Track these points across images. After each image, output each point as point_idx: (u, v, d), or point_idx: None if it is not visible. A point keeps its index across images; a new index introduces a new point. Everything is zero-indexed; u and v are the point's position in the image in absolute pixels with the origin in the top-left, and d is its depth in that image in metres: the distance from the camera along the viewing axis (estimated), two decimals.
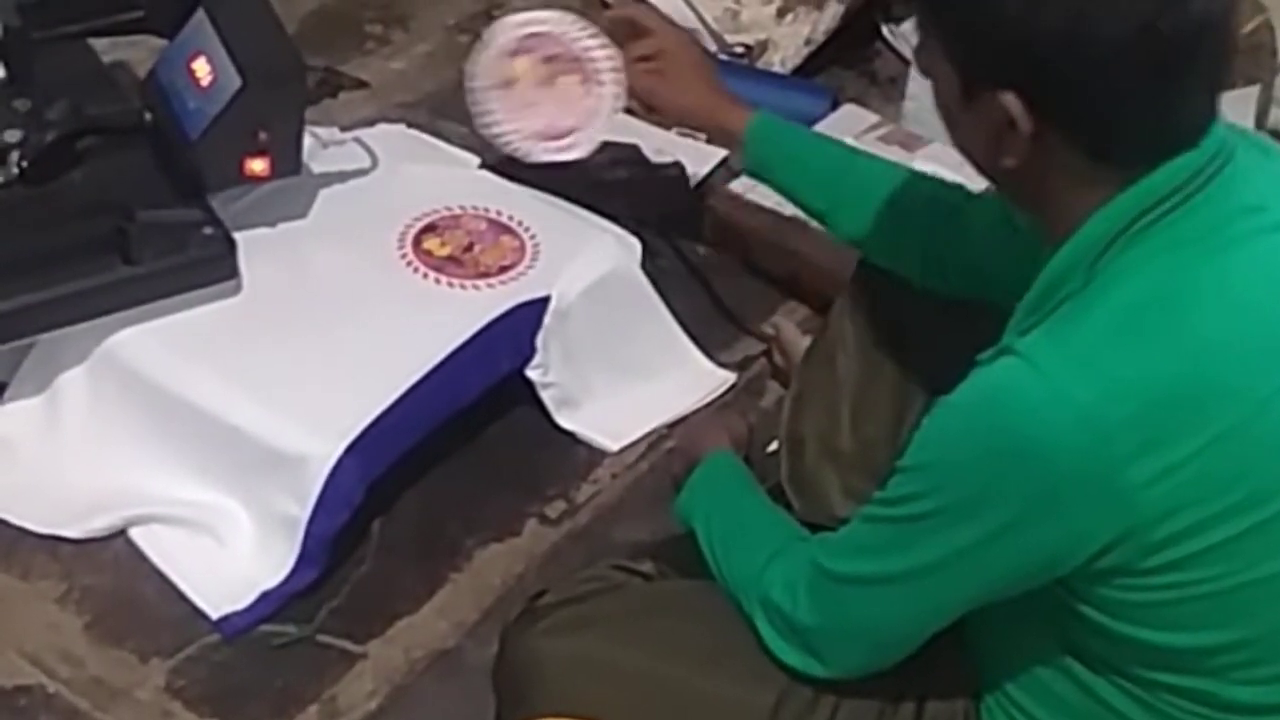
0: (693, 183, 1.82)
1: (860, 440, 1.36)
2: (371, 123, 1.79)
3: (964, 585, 0.96)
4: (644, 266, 1.58)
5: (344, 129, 1.70)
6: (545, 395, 1.49)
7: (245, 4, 1.42)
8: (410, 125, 1.81)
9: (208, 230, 1.40)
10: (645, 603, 1.18)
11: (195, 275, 1.40)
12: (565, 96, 1.47)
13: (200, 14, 1.42)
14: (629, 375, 1.54)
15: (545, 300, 1.48)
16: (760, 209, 1.71)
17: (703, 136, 1.85)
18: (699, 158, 1.84)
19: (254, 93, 1.37)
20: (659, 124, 1.66)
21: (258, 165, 1.43)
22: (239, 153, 1.41)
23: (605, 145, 1.82)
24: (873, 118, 1.85)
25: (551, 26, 1.47)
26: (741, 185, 1.74)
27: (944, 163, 1.77)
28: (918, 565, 0.96)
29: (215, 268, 1.41)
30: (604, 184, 1.78)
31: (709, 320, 1.65)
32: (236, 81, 1.37)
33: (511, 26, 1.48)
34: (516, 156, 1.48)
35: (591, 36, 1.46)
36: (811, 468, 1.35)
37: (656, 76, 1.41)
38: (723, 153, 1.83)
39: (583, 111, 1.47)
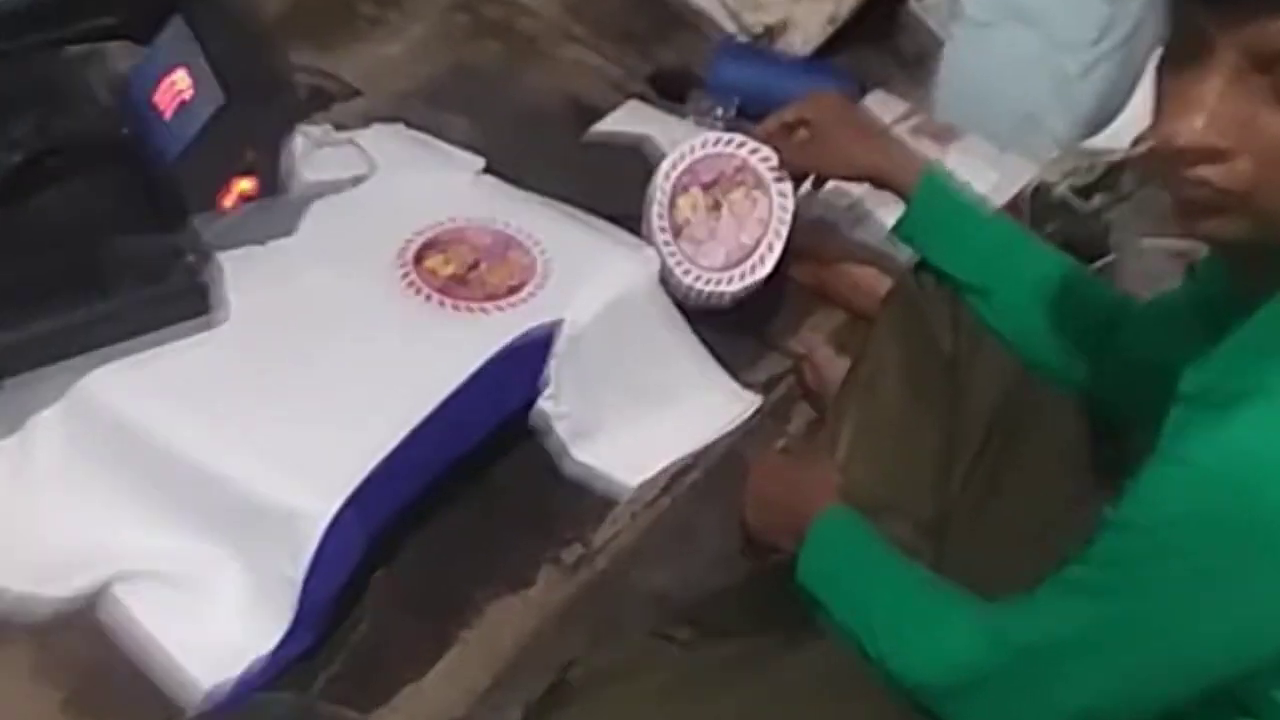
0: None
1: (908, 481, 1.26)
2: (365, 117, 1.67)
3: (1177, 666, 0.87)
4: None
5: (337, 126, 1.58)
6: (558, 428, 1.38)
7: (225, 10, 1.29)
8: (407, 118, 1.69)
9: (190, 258, 1.28)
10: (687, 678, 1.09)
11: (177, 308, 1.28)
12: (737, 214, 1.45)
13: (177, 21, 1.29)
14: (648, 402, 1.43)
15: (557, 325, 1.37)
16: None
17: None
18: None
19: (239, 108, 1.26)
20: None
21: (244, 185, 1.31)
22: (223, 172, 1.30)
23: (615, 138, 1.72)
24: (901, 106, 1.73)
25: (699, 151, 1.45)
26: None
27: (978, 156, 1.66)
28: (1128, 636, 0.88)
29: (199, 300, 1.29)
30: (614, 184, 1.66)
31: (731, 334, 1.53)
32: (219, 96, 1.25)
33: (666, 173, 1.46)
34: (715, 304, 1.46)
35: (738, 145, 1.45)
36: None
37: (814, 145, 1.38)
38: None
39: (758, 221, 1.44)
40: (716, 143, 1.46)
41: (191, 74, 1.27)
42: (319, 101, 1.51)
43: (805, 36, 1.83)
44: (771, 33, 1.83)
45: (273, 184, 1.32)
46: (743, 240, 1.45)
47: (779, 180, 1.43)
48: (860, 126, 1.36)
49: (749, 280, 1.45)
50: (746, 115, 1.74)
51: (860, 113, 1.42)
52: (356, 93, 1.49)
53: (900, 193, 1.28)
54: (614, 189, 1.63)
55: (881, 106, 1.72)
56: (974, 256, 1.23)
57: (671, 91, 1.80)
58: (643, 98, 1.79)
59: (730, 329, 1.53)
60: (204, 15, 1.28)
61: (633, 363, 1.41)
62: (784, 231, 1.44)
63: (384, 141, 1.54)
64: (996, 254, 1.23)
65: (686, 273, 1.44)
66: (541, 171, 1.65)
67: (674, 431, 1.42)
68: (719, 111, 1.75)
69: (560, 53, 1.87)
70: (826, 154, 1.35)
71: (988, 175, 1.62)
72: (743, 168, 1.44)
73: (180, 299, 1.28)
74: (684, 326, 1.45)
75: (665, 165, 1.46)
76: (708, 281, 1.44)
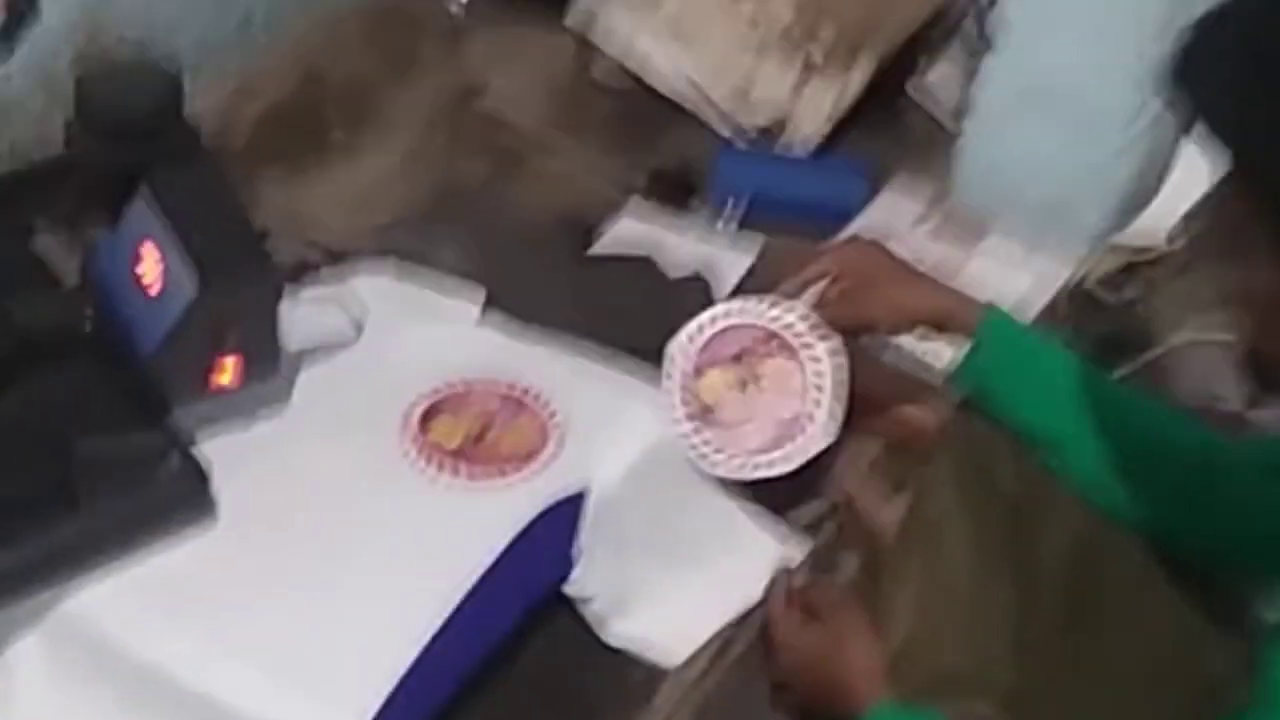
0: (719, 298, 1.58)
1: (984, 647, 1.15)
2: (344, 256, 1.55)
3: None
4: None
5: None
6: (588, 611, 1.25)
7: (196, 183, 1.17)
8: (394, 250, 1.57)
9: (173, 460, 1.16)
10: None
11: (162, 517, 1.16)
12: (775, 386, 1.29)
13: (142, 198, 1.17)
14: (684, 568, 1.30)
15: (581, 498, 1.25)
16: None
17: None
18: (722, 267, 1.61)
19: (215, 297, 1.13)
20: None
21: (226, 377, 1.18)
22: (205, 363, 1.17)
23: (612, 262, 1.61)
24: (916, 207, 1.62)
25: (721, 320, 1.29)
26: None
27: (1005, 260, 1.55)
28: None
29: (186, 505, 1.17)
30: (626, 307, 1.55)
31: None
32: (192, 285, 1.13)
33: (683, 349, 1.29)
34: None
35: (770, 305, 1.28)
36: (913, 693, 1.13)
37: (859, 296, 1.25)
38: (748, 260, 1.60)
39: (801, 388, 1.27)
40: (735, 312, 1.30)
41: (161, 257, 1.15)
42: (307, 270, 1.38)
43: (805, 134, 1.71)
44: (769, 132, 1.71)
45: (264, 367, 1.20)
46: (784, 414, 1.28)
47: (823, 339, 1.27)
48: (902, 269, 1.25)
49: (802, 457, 1.28)
50: (757, 214, 1.63)
51: (893, 253, 1.30)
52: (340, 256, 1.36)
53: (961, 333, 1.17)
54: (626, 312, 1.53)
55: (894, 208, 1.61)
56: (1048, 406, 1.12)
57: (674, 196, 1.69)
58: (637, 210, 1.68)
59: None
60: (171, 190, 1.15)
61: (667, 523, 1.29)
62: (843, 394, 1.27)
63: (372, 294, 1.42)
64: (1071, 402, 1.12)
65: (722, 463, 1.28)
66: (545, 298, 1.53)
67: (714, 598, 1.30)
68: (729, 207, 1.64)
69: (548, 166, 1.75)
70: (876, 304, 1.24)
71: (1018, 280, 1.52)
72: (780, 331, 1.28)
73: (164, 507, 1.16)
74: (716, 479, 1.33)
75: (676, 346, 1.30)
76: (754, 467, 1.28)
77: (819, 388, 1.26)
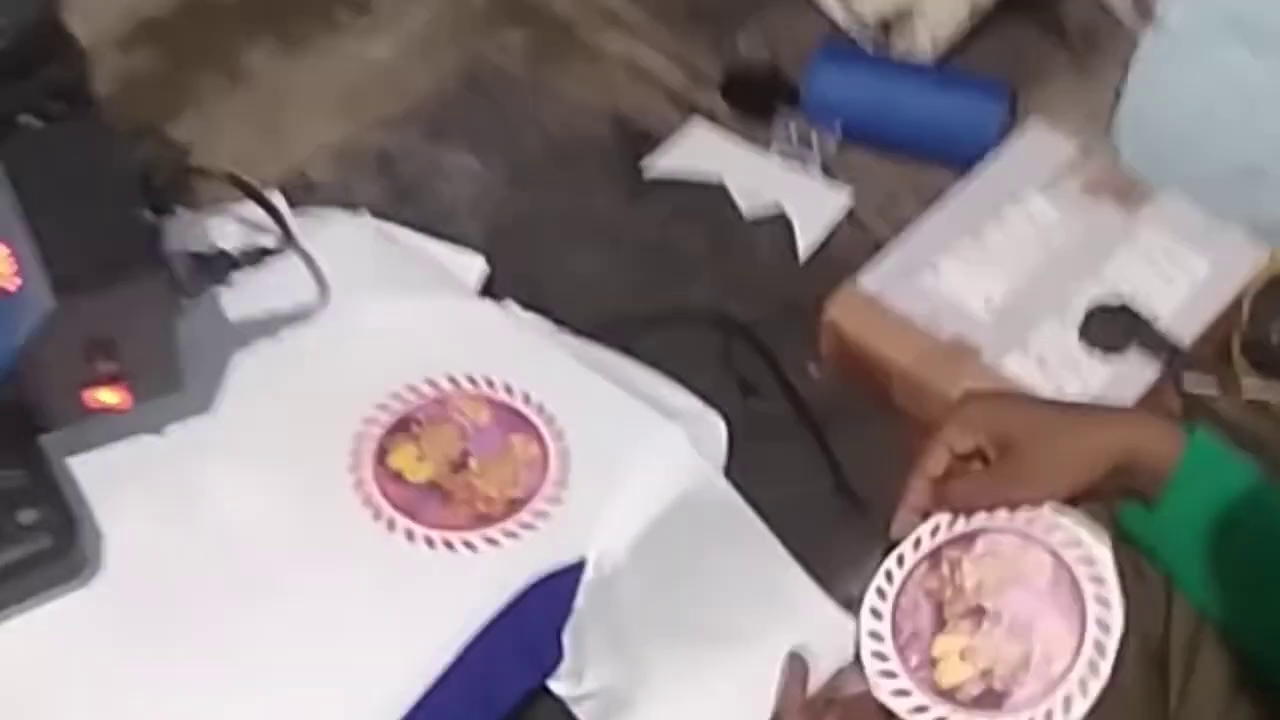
0: (802, 256, 1.24)
1: None
2: (334, 155, 1.23)
3: None
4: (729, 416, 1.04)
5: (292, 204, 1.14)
6: (580, 712, 0.96)
7: (68, 141, 0.85)
8: (394, 154, 1.25)
9: (25, 516, 0.87)
10: None
11: (25, 580, 0.88)
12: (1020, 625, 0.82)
13: None
14: (709, 649, 1.00)
15: (577, 569, 0.95)
16: (908, 328, 1.14)
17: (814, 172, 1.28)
18: (810, 204, 1.26)
19: (82, 303, 0.82)
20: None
21: (110, 396, 0.88)
22: (78, 380, 0.87)
23: (673, 189, 1.27)
24: (1067, 147, 1.24)
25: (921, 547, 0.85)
26: (878, 280, 1.16)
27: (1178, 232, 1.18)
28: None
29: (50, 567, 0.88)
30: (675, 259, 1.22)
31: (827, 511, 1.09)
32: (47, 291, 0.82)
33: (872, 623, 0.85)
34: None
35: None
36: None
37: (1013, 468, 0.85)
38: (842, 201, 1.25)
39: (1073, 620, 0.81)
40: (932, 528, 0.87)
41: (12, 248, 0.84)
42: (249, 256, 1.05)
43: (934, 31, 1.33)
44: (888, 27, 1.34)
45: (161, 380, 0.89)
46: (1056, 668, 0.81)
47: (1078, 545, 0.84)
48: (1044, 408, 0.88)
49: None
50: (860, 135, 1.28)
51: (1020, 395, 0.94)
52: (288, 237, 1.03)
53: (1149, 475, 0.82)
54: (684, 258, 1.22)
55: (1042, 147, 1.24)
56: (1251, 569, 0.79)
57: (752, 104, 1.33)
58: (711, 115, 1.33)
59: (824, 502, 1.09)
60: (28, 150, 0.83)
61: (687, 600, 0.98)
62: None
63: (344, 246, 1.10)
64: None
65: None
66: (576, 240, 1.22)
67: (751, 696, 0.99)
68: (813, 140, 1.29)
69: (605, 46, 1.39)
70: (1036, 473, 0.86)
71: (1193, 265, 1.16)
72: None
73: (26, 569, 0.87)
74: (763, 533, 1.02)
75: (872, 592, 0.86)
76: None
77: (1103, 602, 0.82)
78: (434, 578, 0.94)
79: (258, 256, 1.00)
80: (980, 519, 0.86)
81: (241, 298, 1.03)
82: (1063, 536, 0.83)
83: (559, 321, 1.11)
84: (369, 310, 1.04)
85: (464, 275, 1.09)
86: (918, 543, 0.87)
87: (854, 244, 1.23)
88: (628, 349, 1.11)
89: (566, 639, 0.93)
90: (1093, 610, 0.81)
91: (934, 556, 0.86)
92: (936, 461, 0.88)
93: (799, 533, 1.04)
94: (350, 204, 1.18)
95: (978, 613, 0.83)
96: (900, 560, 0.87)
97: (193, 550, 0.93)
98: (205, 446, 0.97)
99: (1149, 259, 1.16)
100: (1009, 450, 0.85)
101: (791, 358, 1.17)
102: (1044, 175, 1.21)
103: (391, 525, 0.95)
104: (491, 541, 0.95)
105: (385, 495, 0.96)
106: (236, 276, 1.02)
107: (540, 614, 0.93)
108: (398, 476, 0.97)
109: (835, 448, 1.12)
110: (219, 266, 0.97)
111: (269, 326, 1.03)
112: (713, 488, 1.00)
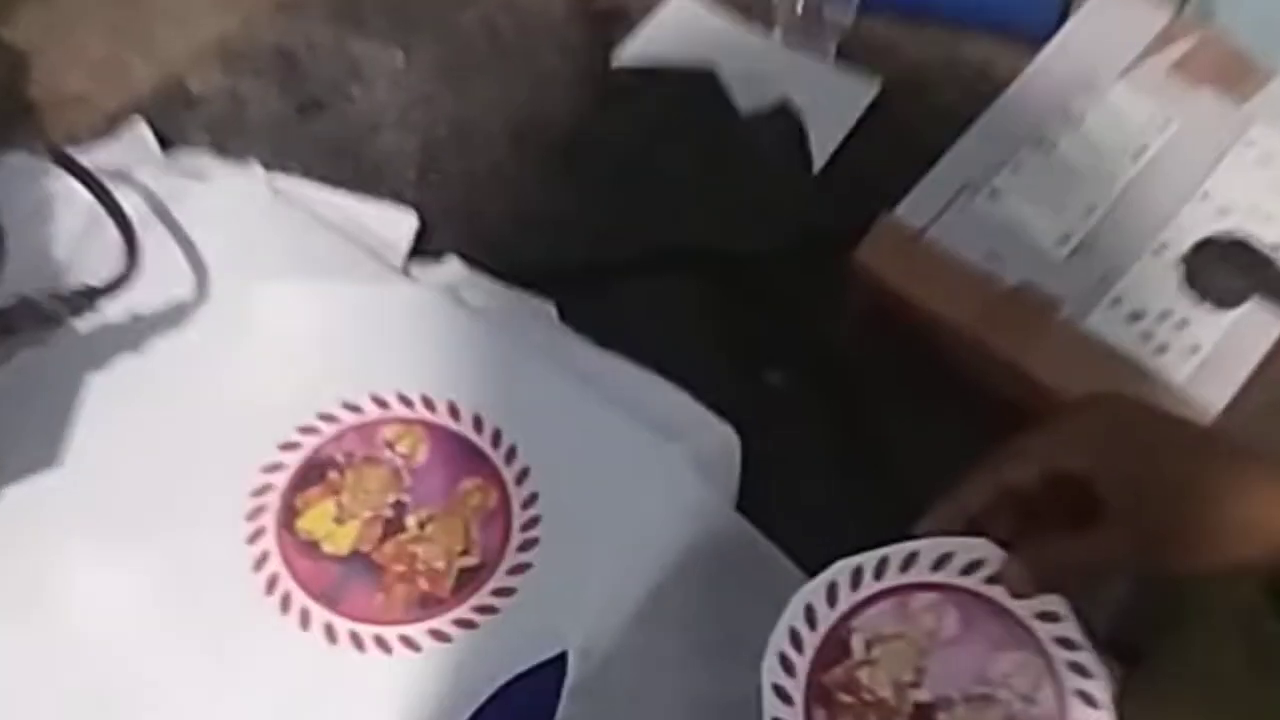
0: (817, 165, 0.98)
1: None
2: (220, 56, 0.96)
3: None
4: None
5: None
6: None
7: None
8: (300, 53, 0.98)
9: None
10: None
11: None
12: None
13: None
14: None
15: (557, 664, 0.71)
16: (961, 273, 0.89)
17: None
18: (824, 96, 1.00)
19: None
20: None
21: None
22: None
23: (653, 79, 1.02)
24: (1152, 22, 0.97)
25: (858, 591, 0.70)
26: (920, 209, 0.91)
27: None
28: None
29: None
30: (656, 175, 0.96)
31: (863, 515, 0.86)
32: None
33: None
34: None
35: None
36: None
37: (1126, 521, 0.63)
38: (867, 94, 0.99)
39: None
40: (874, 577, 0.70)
41: None
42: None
43: None
44: None
45: None
46: None
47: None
48: (1217, 452, 0.64)
49: None
50: (884, 9, 1.01)
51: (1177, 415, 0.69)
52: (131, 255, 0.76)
53: None
54: (667, 173, 0.96)
55: (1117, 23, 0.97)
56: None
57: None
58: None
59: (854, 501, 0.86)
60: None
61: (712, 687, 0.76)
62: None
63: (223, 218, 0.83)
64: None
65: None
66: (530, 158, 0.96)
67: None
68: (824, 15, 1.02)
69: None
70: (1188, 541, 0.62)
71: None
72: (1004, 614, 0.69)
73: None
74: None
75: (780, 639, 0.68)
76: None
77: None
78: (364, 690, 0.70)
79: (88, 299, 0.73)
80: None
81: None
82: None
83: (505, 273, 0.86)
84: (262, 306, 0.79)
85: (390, 241, 0.83)
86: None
87: (884, 149, 0.97)
88: (597, 307, 0.87)
89: None
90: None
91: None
92: (1020, 472, 0.65)
93: (828, 549, 0.81)
94: (240, 125, 0.92)
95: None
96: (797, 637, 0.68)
97: (34, 661, 0.70)
98: (49, 516, 0.72)
99: (1268, 168, 0.91)
100: (1141, 500, 0.62)
101: (811, 310, 0.92)
102: (1118, 58, 0.95)
103: (305, 620, 0.72)
104: (439, 636, 0.72)
105: (296, 577, 0.73)
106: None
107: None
108: (309, 541, 0.73)
109: (875, 432, 0.88)
110: (34, 315, 0.71)
111: (129, 335, 0.77)
112: (729, 528, 0.76)
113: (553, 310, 0.86)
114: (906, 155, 0.93)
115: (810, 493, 0.84)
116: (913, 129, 0.97)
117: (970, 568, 0.70)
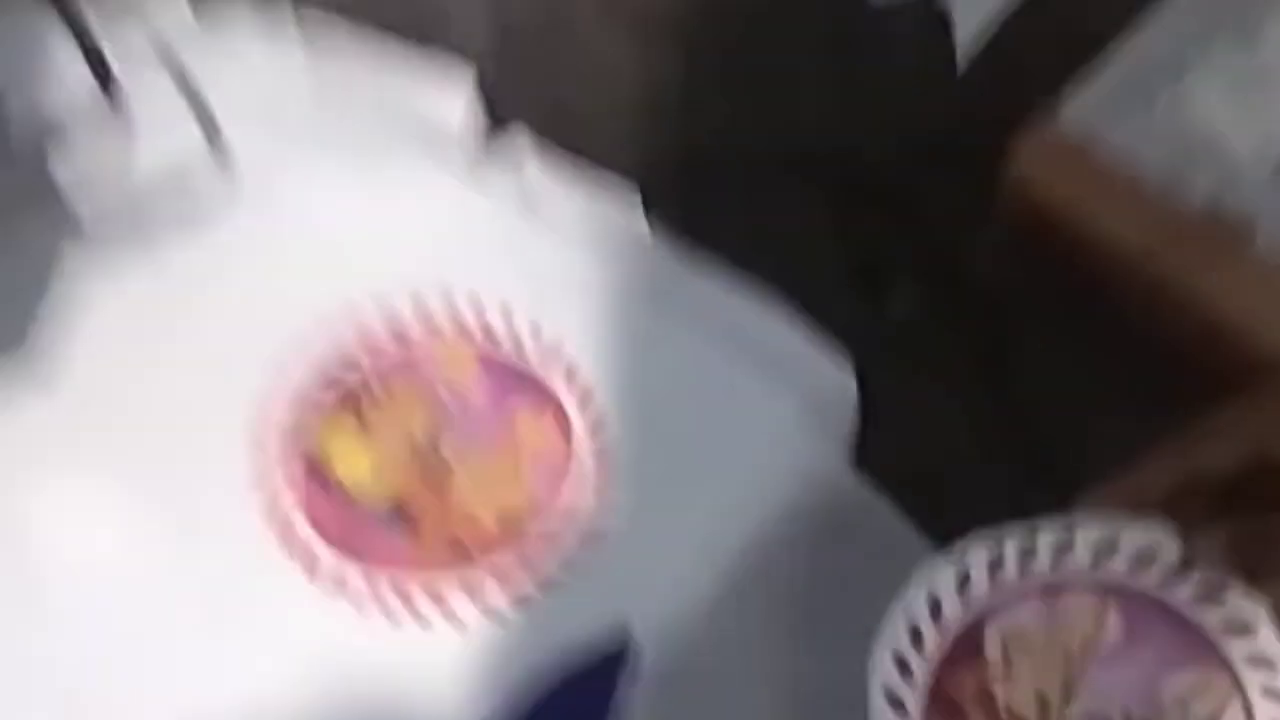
0: (961, 61, 0.83)
1: None
2: None
3: None
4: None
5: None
6: None
7: None
8: None
9: None
10: None
11: None
12: None
13: None
14: None
15: (623, 647, 0.58)
16: (1136, 190, 0.74)
17: None
18: None
19: None
20: None
21: None
22: None
23: None
24: None
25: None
26: (1088, 112, 0.76)
27: None
28: None
29: None
30: (759, 76, 0.82)
31: (1000, 481, 0.73)
32: None
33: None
34: None
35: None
36: None
37: None
38: None
39: None
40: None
41: None
42: None
43: None
44: None
45: None
46: None
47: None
48: None
49: None
50: None
51: None
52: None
53: None
54: (776, 78, 0.80)
55: None
56: None
57: None
58: None
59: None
60: None
61: (815, 683, 0.62)
62: None
63: (254, 93, 0.69)
64: None
65: None
66: (616, 41, 0.83)
67: None
68: None
69: None
70: None
71: None
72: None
73: None
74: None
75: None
76: None
77: None
78: (383, 663, 0.58)
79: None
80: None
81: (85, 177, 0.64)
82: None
83: (582, 165, 0.73)
84: (288, 192, 0.65)
85: (447, 116, 0.69)
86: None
87: (1044, 39, 0.83)
88: (691, 217, 0.74)
89: None
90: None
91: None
92: (1217, 454, 0.55)
93: (960, 521, 0.68)
94: None
95: None
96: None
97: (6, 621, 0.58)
98: (23, 443, 0.60)
99: None
100: None
101: (947, 229, 0.78)
102: None
103: (319, 572, 0.59)
104: (482, 604, 0.59)
105: (313, 521, 0.60)
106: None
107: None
108: (334, 487, 0.61)
109: (1018, 379, 0.75)
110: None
111: (126, 222, 0.64)
112: (842, 487, 0.62)
113: (640, 218, 0.73)
114: (1071, 46, 0.78)
115: (939, 449, 0.71)
116: (1079, 14, 0.82)
117: (1141, 562, 0.56)
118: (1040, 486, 0.69)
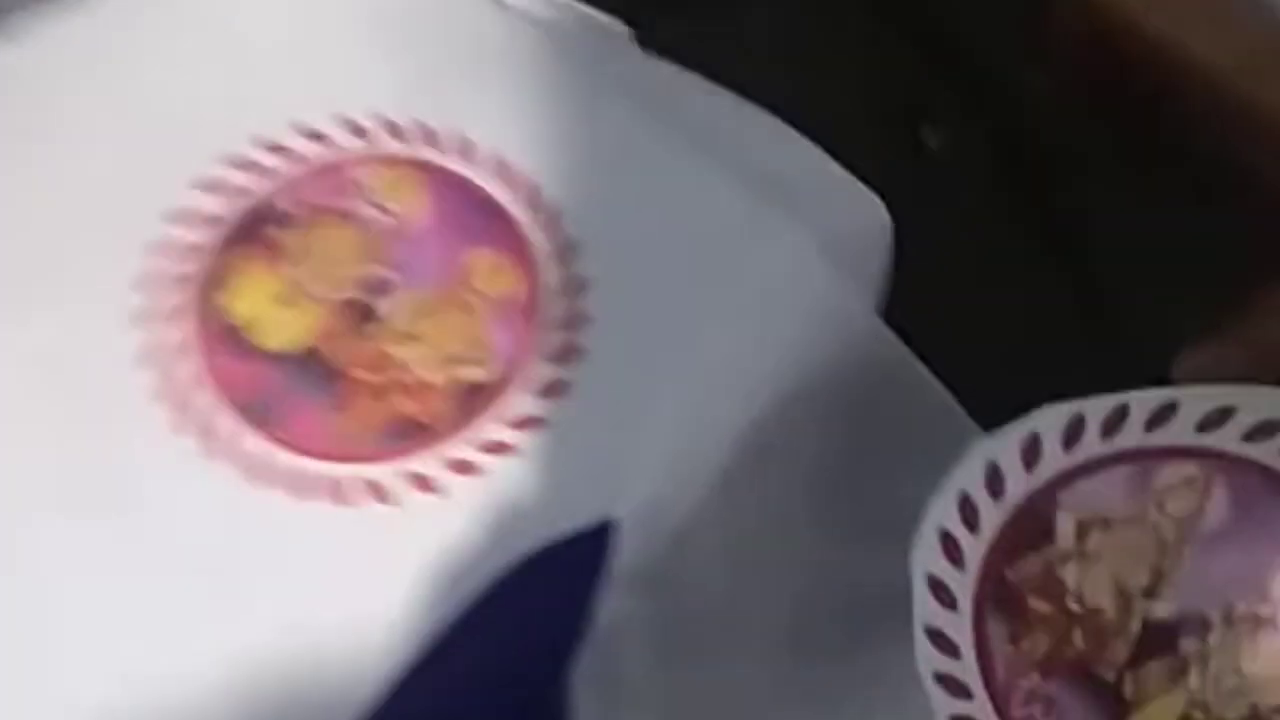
0: None
1: None
2: None
3: None
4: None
5: None
6: None
7: None
8: None
9: None
10: None
11: None
12: None
13: None
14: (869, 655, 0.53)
15: (602, 537, 0.47)
16: (1220, 3, 0.62)
17: None
18: None
19: None
20: None
21: None
22: None
23: None
24: None
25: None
26: None
27: None
28: None
29: None
30: None
31: (1055, 338, 0.61)
32: None
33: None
34: None
35: None
36: None
37: None
38: None
39: None
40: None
41: None
42: None
43: None
44: None
45: None
46: None
47: None
48: None
49: None
50: None
51: None
52: None
53: None
54: None
55: None
56: None
57: None
58: None
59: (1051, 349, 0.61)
60: None
61: (835, 587, 0.51)
62: None
63: None
64: None
65: None
66: None
67: None
68: None
69: None
70: None
71: None
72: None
73: None
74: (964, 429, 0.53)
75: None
76: None
77: None
78: (302, 553, 0.46)
79: None
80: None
81: None
82: None
83: None
84: None
85: None
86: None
87: None
88: (696, 30, 0.61)
89: (578, 685, 0.46)
90: None
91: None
92: None
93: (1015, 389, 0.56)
94: None
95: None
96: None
97: None
98: None
99: None
100: None
101: (993, 47, 0.66)
102: None
103: (224, 441, 0.47)
104: (424, 484, 0.47)
105: (215, 379, 0.48)
106: None
107: (531, 629, 0.46)
108: (241, 338, 0.48)
109: (1073, 222, 0.63)
110: None
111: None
112: (873, 343, 0.50)
113: (623, 30, 0.60)
114: None
115: (985, 303, 0.59)
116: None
117: (1258, 431, 0.44)
118: (1113, 349, 0.58)
